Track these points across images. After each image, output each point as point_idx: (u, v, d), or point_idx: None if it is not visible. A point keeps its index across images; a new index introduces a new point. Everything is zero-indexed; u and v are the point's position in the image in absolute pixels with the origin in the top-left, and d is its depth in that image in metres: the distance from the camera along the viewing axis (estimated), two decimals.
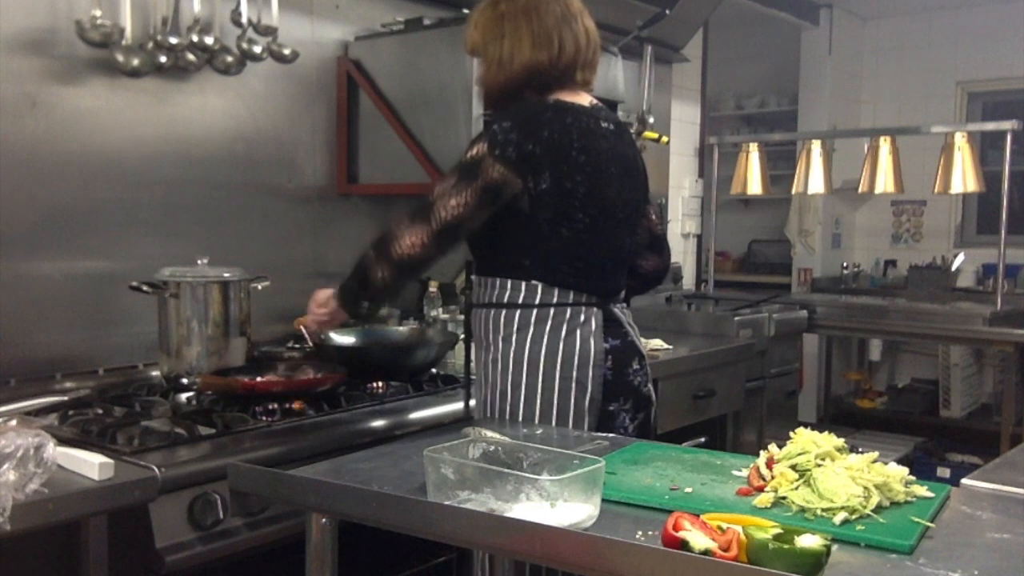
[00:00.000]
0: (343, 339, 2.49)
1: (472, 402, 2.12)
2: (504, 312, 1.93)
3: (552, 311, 1.90)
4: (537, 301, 1.91)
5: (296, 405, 2.05)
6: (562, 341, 1.90)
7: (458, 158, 1.90)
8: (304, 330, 2.24)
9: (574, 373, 1.89)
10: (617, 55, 3.02)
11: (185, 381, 2.21)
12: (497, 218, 1.89)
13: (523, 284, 1.91)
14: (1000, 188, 4.18)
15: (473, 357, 2.09)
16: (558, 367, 1.89)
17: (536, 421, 1.89)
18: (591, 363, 1.90)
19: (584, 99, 1.97)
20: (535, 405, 1.90)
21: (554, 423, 1.89)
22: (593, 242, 1.92)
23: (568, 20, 1.92)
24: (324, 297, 2.04)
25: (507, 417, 1.92)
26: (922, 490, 1.37)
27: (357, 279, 1.92)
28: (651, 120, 3.66)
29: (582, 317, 1.92)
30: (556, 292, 1.91)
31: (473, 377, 2.09)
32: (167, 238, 2.47)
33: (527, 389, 1.90)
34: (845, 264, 6.16)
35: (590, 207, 1.90)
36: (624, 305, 2.06)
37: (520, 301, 1.92)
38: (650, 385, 2.05)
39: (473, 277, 2.03)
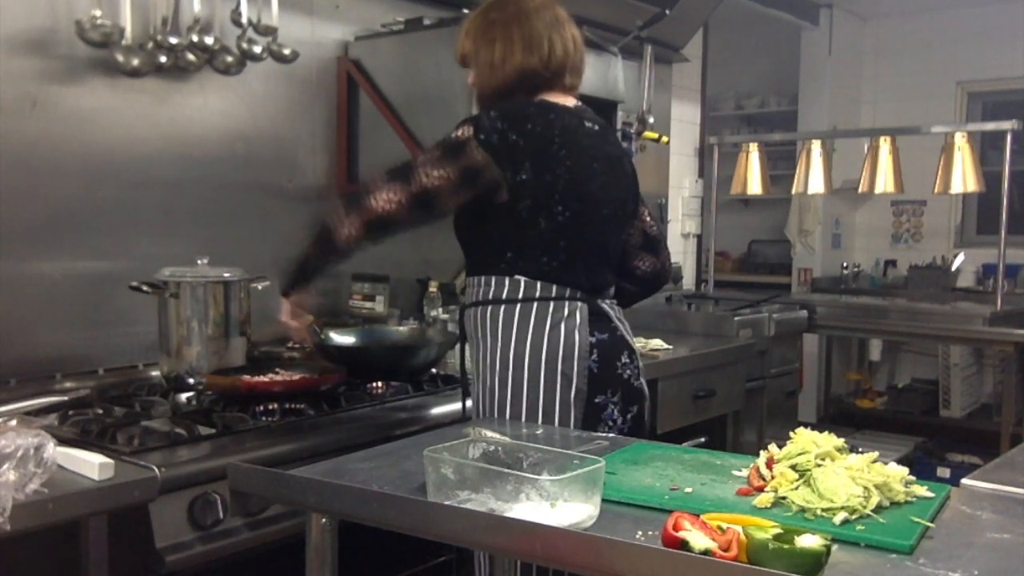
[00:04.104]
0: (343, 339, 2.49)
1: (468, 402, 2.13)
2: (491, 309, 1.96)
3: (535, 306, 1.93)
4: (521, 296, 1.94)
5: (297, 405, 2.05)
6: (546, 335, 1.92)
7: (444, 135, 1.92)
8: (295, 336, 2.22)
9: (559, 366, 1.91)
10: (617, 55, 3.02)
11: (190, 381, 2.21)
12: (481, 213, 1.93)
13: (507, 279, 1.94)
14: (1000, 188, 4.18)
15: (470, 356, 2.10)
16: (543, 361, 1.92)
17: (524, 416, 1.91)
18: (576, 356, 1.92)
19: (570, 101, 2.03)
20: (522, 399, 1.92)
21: (540, 417, 1.91)
22: (575, 235, 1.95)
23: (557, 26, 1.99)
24: (286, 312, 2.00)
25: (496, 413, 1.94)
26: (922, 490, 1.37)
27: (317, 244, 1.91)
28: (651, 120, 3.66)
29: (566, 311, 1.94)
30: (539, 286, 1.93)
31: (470, 377, 2.10)
32: (167, 238, 2.46)
33: (514, 384, 1.93)
34: (845, 264, 6.16)
35: (571, 200, 1.93)
36: (613, 302, 2.07)
37: (504, 297, 1.95)
38: (643, 379, 2.06)
39: (465, 278, 2.06)
